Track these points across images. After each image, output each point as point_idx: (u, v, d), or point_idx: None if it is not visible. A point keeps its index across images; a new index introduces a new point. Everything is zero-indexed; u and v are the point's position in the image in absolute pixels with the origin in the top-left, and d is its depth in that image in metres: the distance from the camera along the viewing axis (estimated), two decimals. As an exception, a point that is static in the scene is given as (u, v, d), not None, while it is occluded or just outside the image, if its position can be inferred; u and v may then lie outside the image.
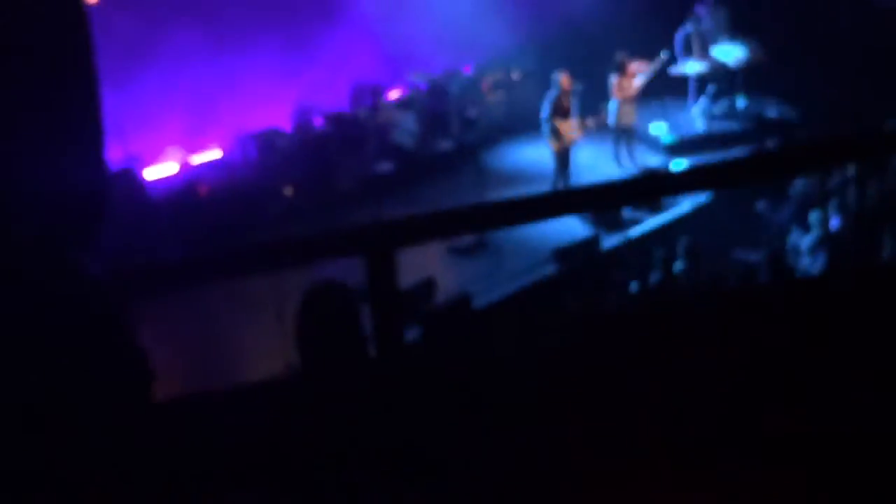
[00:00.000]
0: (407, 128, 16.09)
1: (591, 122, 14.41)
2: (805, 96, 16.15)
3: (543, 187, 13.84)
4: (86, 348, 2.04)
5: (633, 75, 14.81)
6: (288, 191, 14.74)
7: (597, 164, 15.28)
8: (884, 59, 15.25)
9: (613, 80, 14.81)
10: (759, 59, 16.50)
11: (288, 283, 5.77)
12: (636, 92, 14.82)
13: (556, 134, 14.04)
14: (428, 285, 11.15)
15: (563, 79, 14.09)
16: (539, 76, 16.35)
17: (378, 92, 16.44)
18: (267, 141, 15.11)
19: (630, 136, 15.13)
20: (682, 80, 16.38)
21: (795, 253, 11.61)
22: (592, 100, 14.59)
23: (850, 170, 12.61)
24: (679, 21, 16.18)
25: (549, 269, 12.30)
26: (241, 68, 14.81)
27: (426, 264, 12.12)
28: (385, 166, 15.47)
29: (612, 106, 14.84)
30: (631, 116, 14.97)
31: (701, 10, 16.49)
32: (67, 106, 1.99)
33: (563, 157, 14.04)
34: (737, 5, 16.61)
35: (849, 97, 15.13)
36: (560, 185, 13.85)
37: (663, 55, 14.88)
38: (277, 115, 15.50)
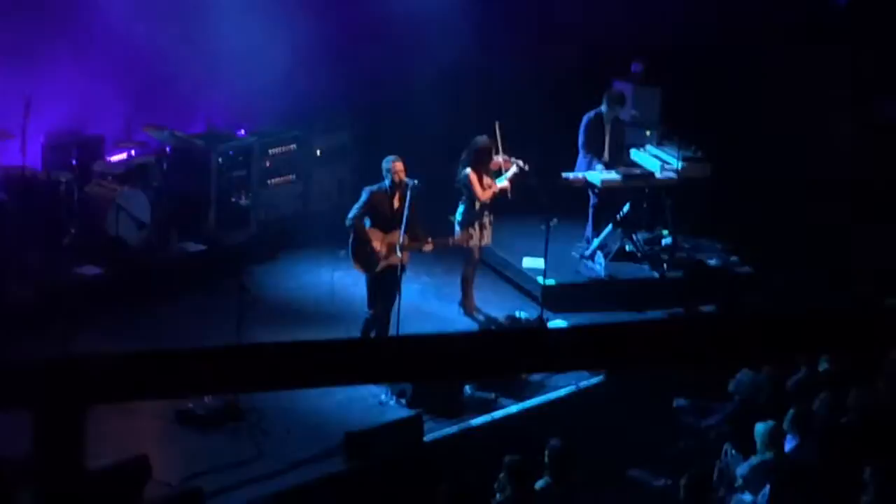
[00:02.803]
0: (132, 212, 13.23)
1: (429, 242, 11.94)
2: (767, 239, 14.20)
3: (347, 332, 11.86)
4: None
5: (495, 171, 12.96)
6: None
7: (433, 306, 13.18)
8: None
9: (468, 174, 12.64)
10: (701, 174, 14.16)
11: None
12: (492, 198, 12.76)
13: (363, 249, 11.74)
14: (136, 468, 9.34)
15: (395, 167, 11.80)
16: (360, 157, 14.17)
17: (93, 148, 13.64)
18: None
19: (473, 263, 13.04)
20: (581, 194, 14.19)
21: (727, 482, 9.82)
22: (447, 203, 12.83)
23: (823, 365, 11.04)
24: (589, 96, 14.18)
25: (336, 465, 10.34)
26: None
27: (139, 434, 10.04)
28: (89, 269, 12.93)
29: (464, 216, 12.76)
30: (487, 235, 12.86)
31: (620, 88, 14.48)
32: None
33: (381, 287, 11.91)
34: (679, 86, 14.64)
35: (829, 246, 13.47)
36: (372, 333, 11.93)
37: (520, 163, 12.95)
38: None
